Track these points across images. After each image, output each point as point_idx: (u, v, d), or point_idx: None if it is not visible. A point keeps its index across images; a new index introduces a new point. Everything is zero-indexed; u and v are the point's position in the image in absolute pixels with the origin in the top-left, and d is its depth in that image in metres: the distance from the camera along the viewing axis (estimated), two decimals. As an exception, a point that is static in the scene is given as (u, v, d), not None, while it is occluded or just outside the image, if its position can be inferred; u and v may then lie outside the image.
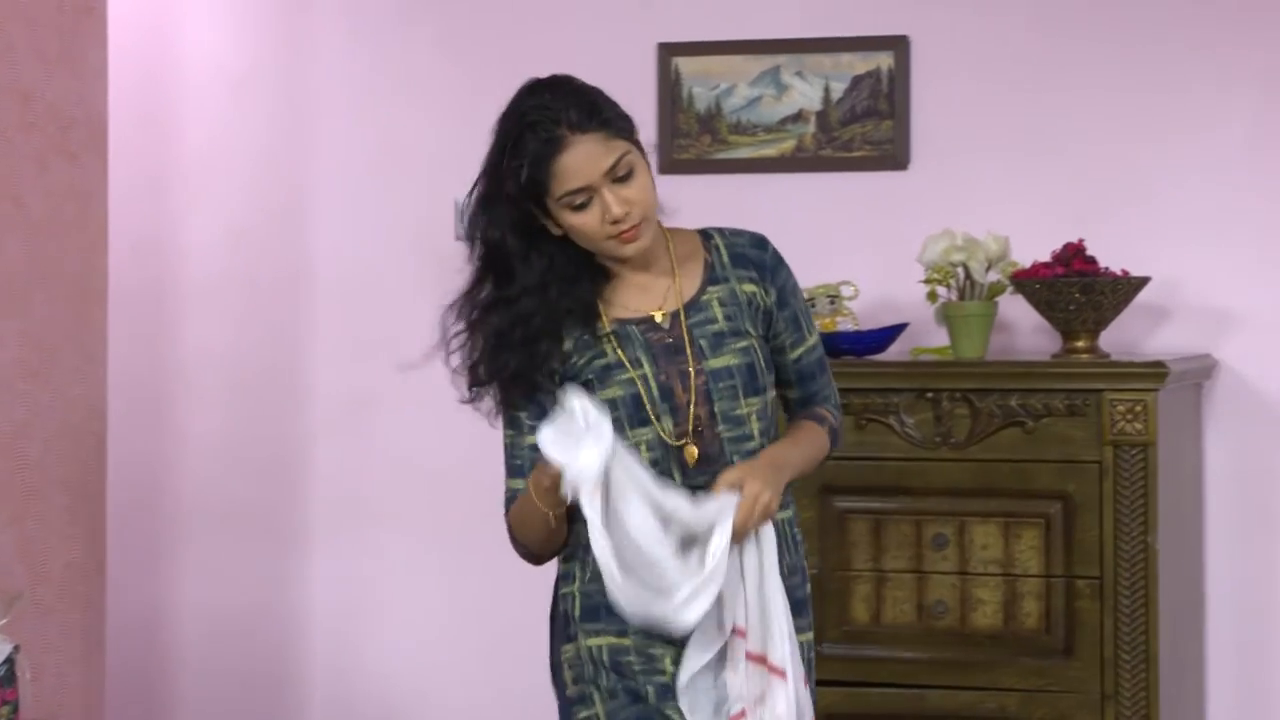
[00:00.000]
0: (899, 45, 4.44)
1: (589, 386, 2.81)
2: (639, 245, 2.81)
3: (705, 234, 2.96)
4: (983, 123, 4.40)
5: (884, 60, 4.46)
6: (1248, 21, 4.26)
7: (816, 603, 3.95)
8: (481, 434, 4.62)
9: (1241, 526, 4.29)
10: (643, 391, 2.83)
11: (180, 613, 4.89)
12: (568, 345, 2.85)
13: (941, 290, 4.17)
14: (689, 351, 2.86)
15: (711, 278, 2.91)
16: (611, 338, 2.86)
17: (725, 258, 2.92)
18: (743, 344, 2.87)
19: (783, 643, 2.75)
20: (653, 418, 2.82)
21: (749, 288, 2.91)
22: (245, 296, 4.84)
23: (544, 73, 4.54)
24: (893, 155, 4.45)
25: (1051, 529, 3.88)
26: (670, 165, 4.50)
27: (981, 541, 3.92)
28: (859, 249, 4.43)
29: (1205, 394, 4.28)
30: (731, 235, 2.95)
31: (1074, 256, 4.01)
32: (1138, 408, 3.81)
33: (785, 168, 4.48)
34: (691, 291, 2.89)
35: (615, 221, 2.78)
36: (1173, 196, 4.30)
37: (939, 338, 4.26)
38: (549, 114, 2.77)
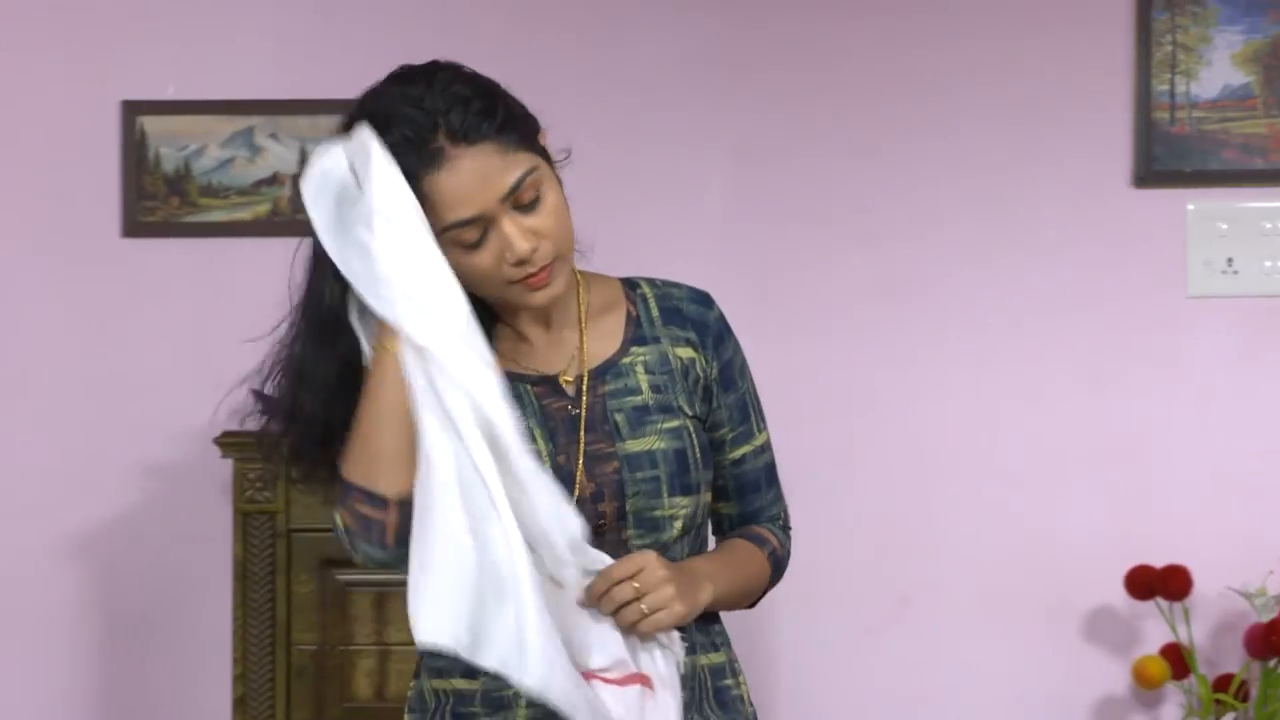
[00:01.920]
0: (377, 109, 4.36)
1: None
2: (552, 291, 2.15)
3: (630, 282, 2.33)
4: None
5: (362, 124, 4.37)
6: (725, 96, 4.36)
7: (315, 680, 3.88)
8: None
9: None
10: None
11: None
12: None
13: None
14: (599, 428, 2.20)
15: (637, 336, 2.27)
16: None
17: (654, 312, 2.29)
18: (673, 424, 2.22)
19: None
20: None
21: (685, 352, 2.27)
22: None
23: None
24: (371, 220, 4.35)
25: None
26: (136, 228, 4.28)
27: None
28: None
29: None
30: (664, 285, 2.32)
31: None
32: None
33: (260, 231, 4.30)
34: (608, 351, 2.24)
35: (520, 262, 2.11)
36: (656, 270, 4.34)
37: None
38: (422, 115, 2.09)
